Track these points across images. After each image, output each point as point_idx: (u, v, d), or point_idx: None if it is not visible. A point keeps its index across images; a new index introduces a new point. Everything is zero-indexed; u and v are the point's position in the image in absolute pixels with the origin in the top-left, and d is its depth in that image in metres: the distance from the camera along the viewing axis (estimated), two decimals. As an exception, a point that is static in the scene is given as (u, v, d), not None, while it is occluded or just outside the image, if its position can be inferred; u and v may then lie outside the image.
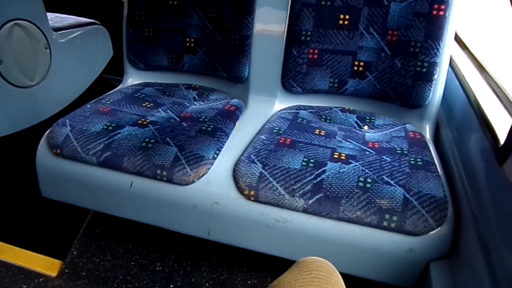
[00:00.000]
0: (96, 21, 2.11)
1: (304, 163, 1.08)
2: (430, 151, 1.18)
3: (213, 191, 1.09)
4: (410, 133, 1.28)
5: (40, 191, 1.27)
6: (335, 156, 1.12)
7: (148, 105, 1.38)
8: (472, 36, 1.62)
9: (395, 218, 0.96)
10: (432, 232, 0.95)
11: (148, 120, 1.26)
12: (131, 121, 1.24)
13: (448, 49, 1.29)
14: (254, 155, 1.11)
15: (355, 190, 1.00)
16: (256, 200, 1.05)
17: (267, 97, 1.49)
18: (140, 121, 1.25)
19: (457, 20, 1.28)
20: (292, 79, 1.42)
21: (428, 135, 1.35)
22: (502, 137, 0.89)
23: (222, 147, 1.19)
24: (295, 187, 1.02)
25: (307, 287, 0.50)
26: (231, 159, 1.15)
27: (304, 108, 1.45)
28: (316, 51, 1.38)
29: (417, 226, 0.95)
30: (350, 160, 1.10)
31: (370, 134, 1.30)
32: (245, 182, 1.05)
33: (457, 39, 1.55)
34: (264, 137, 1.21)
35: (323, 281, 0.52)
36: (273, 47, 1.43)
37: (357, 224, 0.99)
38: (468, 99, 1.20)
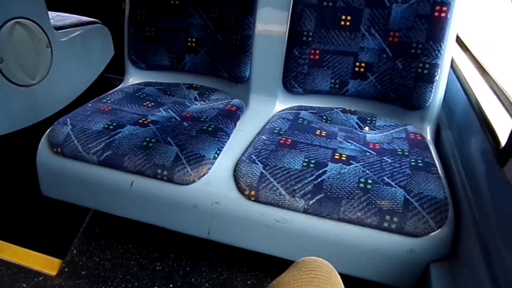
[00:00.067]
0: (98, 20, 2.11)
1: (304, 164, 1.08)
2: (430, 153, 1.18)
3: (214, 191, 1.09)
4: (411, 134, 1.28)
5: (40, 190, 1.27)
6: (336, 156, 1.12)
7: (149, 105, 1.38)
8: (474, 38, 1.62)
9: (395, 219, 0.96)
10: (433, 233, 0.95)
11: (149, 120, 1.26)
12: (132, 120, 1.24)
13: (449, 51, 1.29)
14: (254, 155, 1.11)
15: (356, 191, 1.00)
16: (257, 200, 1.05)
17: (268, 97, 1.49)
18: (141, 121, 1.25)
19: (459, 22, 1.28)
20: (293, 79, 1.42)
21: (429, 136, 1.35)
22: (503, 139, 0.89)
23: (223, 147, 1.19)
24: (295, 187, 1.02)
25: (306, 287, 0.50)
26: (232, 159, 1.15)
27: (305, 108, 1.45)
28: (317, 51, 1.38)
29: (417, 228, 0.95)
30: (351, 161, 1.10)
31: (371, 135, 1.30)
32: (246, 182, 1.05)
33: (459, 41, 1.55)
34: (265, 137, 1.21)
35: (322, 281, 0.52)
36: (275, 47, 1.43)
37: (358, 225, 0.99)
38: (469, 101, 1.20)
